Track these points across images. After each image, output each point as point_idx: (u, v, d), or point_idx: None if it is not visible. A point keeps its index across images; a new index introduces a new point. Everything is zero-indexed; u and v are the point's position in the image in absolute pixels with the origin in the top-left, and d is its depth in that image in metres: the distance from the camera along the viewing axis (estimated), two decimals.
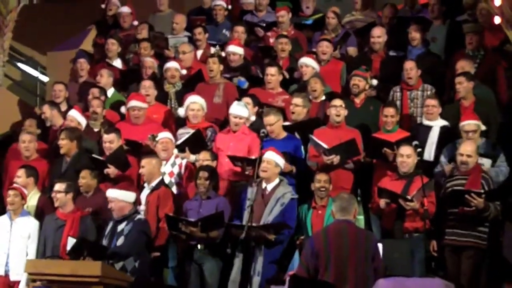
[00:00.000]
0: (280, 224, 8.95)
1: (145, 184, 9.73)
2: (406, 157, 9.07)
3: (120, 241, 8.88)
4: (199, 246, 9.12)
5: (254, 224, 8.82)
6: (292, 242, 9.20)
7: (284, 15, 12.34)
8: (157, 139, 10.02)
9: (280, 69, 11.02)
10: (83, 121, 10.85)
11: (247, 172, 9.60)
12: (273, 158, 9.22)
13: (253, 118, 10.30)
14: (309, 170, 9.75)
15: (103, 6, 13.77)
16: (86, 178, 9.77)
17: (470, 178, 8.84)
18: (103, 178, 9.95)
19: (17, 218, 9.58)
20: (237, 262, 9.03)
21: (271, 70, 10.89)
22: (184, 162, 10.01)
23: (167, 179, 9.87)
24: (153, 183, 9.62)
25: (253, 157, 9.45)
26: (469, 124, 9.38)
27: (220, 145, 10.01)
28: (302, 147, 9.89)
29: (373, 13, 12.92)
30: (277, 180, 9.26)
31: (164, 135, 10.06)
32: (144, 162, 9.66)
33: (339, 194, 7.70)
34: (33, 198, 9.94)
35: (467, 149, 8.94)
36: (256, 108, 10.49)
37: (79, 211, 9.44)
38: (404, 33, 11.47)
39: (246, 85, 11.42)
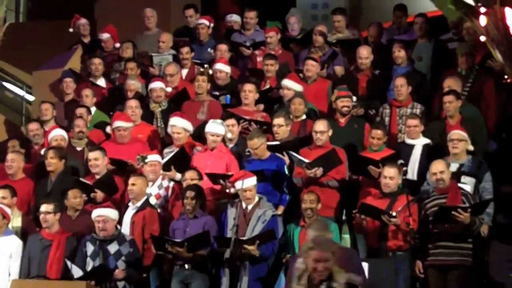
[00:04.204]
0: (266, 233, 8.96)
1: (130, 204, 9.65)
2: (389, 179, 9.04)
3: (122, 263, 8.94)
4: (186, 266, 9.06)
5: (241, 238, 8.87)
6: (278, 260, 9.18)
7: (273, 36, 12.29)
8: (146, 160, 9.97)
9: (257, 86, 11.06)
10: (67, 139, 10.82)
11: (227, 190, 9.60)
12: (253, 183, 9.25)
13: (232, 136, 10.32)
14: (295, 188, 9.74)
15: (71, 30, 13.77)
16: (77, 197, 9.70)
17: (450, 195, 8.82)
18: (88, 200, 9.88)
19: (0, 238, 9.48)
20: (225, 281, 9.01)
21: (248, 87, 10.95)
22: (171, 184, 9.94)
23: (153, 201, 9.80)
24: (139, 203, 9.57)
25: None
26: (454, 133, 9.41)
27: (197, 164, 10.00)
28: (286, 166, 9.88)
29: (355, 31, 12.90)
30: (256, 199, 9.29)
31: (154, 157, 10.01)
32: (134, 180, 9.59)
33: (313, 229, 7.52)
34: (15, 219, 9.83)
35: (438, 167, 8.96)
36: (240, 127, 10.51)
37: (65, 231, 9.38)
38: (390, 52, 11.44)
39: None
